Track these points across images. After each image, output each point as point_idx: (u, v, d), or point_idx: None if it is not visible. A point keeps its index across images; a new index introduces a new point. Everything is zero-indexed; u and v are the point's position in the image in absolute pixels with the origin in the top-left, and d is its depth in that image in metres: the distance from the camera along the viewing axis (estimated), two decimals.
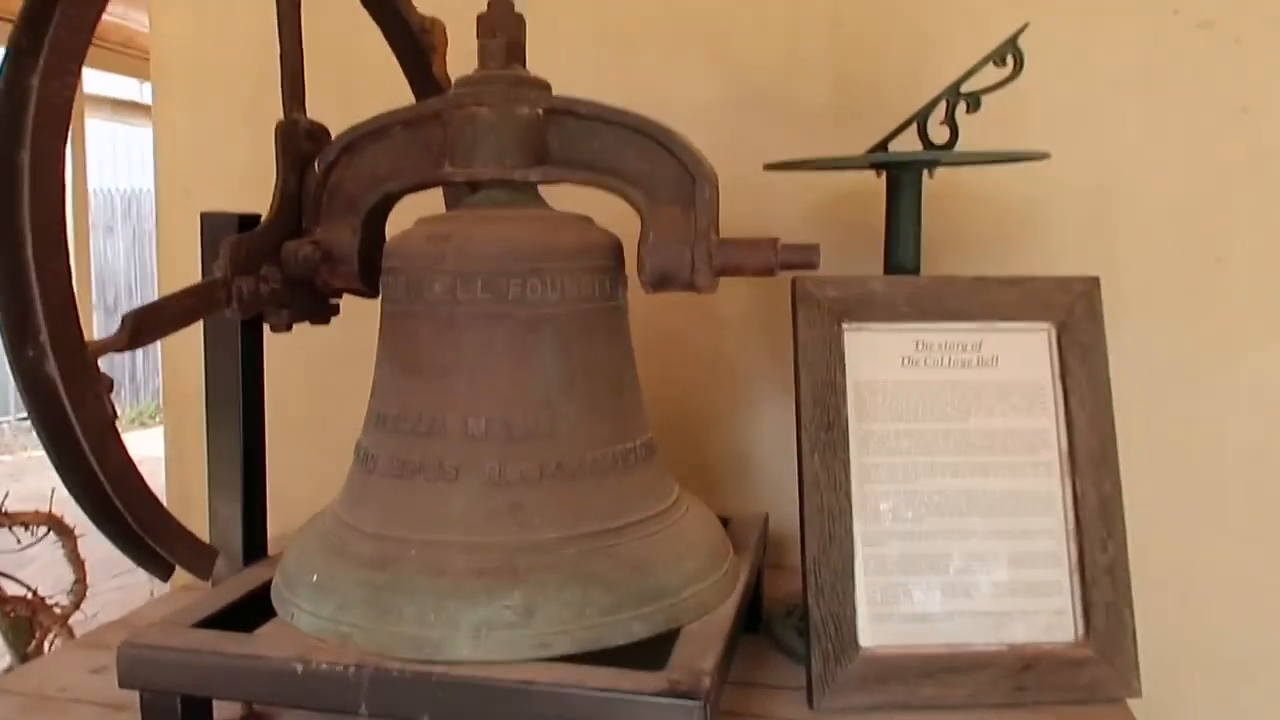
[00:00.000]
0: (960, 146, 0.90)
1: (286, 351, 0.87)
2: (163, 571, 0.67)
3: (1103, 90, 1.03)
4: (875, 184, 0.92)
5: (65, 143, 0.56)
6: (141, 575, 0.71)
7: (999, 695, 0.81)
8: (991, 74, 0.89)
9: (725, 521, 0.93)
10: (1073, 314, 0.88)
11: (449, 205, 0.98)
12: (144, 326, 0.63)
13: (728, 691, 0.83)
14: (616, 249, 0.75)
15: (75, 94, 0.57)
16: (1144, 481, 1.04)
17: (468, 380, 0.70)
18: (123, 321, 0.62)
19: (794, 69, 1.08)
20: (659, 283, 0.73)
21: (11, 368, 0.57)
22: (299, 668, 0.64)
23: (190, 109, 1.26)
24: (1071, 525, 0.86)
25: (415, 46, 0.95)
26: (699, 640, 0.67)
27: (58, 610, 1.05)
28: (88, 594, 1.10)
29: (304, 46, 0.80)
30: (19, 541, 1.02)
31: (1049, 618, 0.84)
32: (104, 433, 0.59)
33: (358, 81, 1.03)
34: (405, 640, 0.64)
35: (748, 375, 1.14)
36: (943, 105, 0.89)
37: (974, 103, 0.89)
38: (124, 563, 0.68)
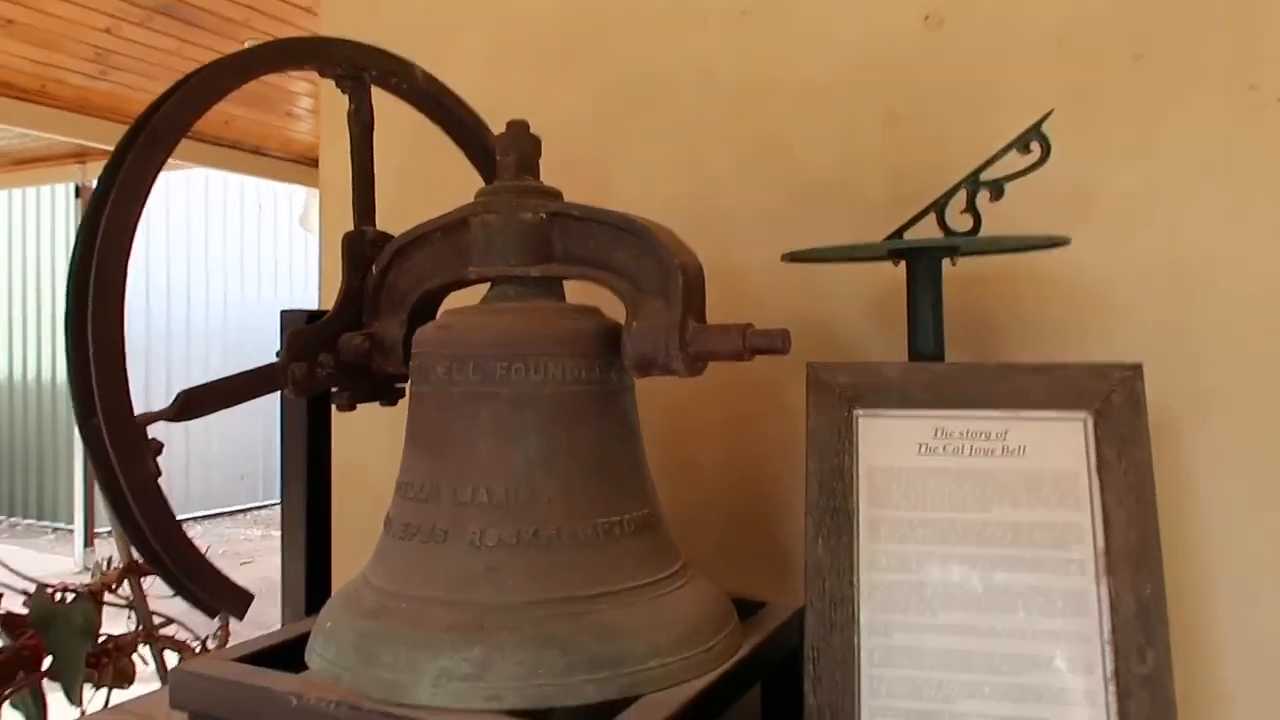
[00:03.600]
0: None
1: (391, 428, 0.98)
2: (208, 610, 0.79)
3: (1174, 175, 0.97)
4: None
5: (128, 255, 0.72)
6: None
7: None
8: (1020, 161, 0.88)
9: (758, 605, 0.94)
10: (1110, 403, 0.83)
11: None
12: (194, 402, 0.77)
13: None
14: (607, 336, 0.81)
15: (138, 219, 0.72)
16: (1237, 596, 0.94)
17: (459, 452, 0.78)
18: (176, 397, 0.76)
19: (851, 165, 1.11)
20: (641, 367, 0.79)
21: (80, 432, 0.72)
22: (294, 700, 0.73)
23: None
24: (1107, 630, 0.79)
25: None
26: (650, 709, 0.70)
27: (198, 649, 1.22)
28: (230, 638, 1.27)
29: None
30: None
31: None
32: (146, 489, 0.72)
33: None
34: (380, 683, 0.72)
35: None
36: (963, 194, 0.89)
37: (996, 190, 0.88)
38: None
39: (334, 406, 0.92)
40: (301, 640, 0.83)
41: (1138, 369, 0.84)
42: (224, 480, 7.58)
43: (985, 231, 0.89)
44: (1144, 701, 0.77)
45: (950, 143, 1.06)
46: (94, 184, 0.75)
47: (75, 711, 1.18)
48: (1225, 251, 0.96)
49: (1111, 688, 0.78)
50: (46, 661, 1.26)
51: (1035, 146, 0.87)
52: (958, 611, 0.82)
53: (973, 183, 0.88)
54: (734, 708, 0.84)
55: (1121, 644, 0.78)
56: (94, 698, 1.32)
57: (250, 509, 7.66)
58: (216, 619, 1.31)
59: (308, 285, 7.70)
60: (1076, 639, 0.80)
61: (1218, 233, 0.96)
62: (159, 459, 0.74)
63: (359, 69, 0.92)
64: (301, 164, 5.31)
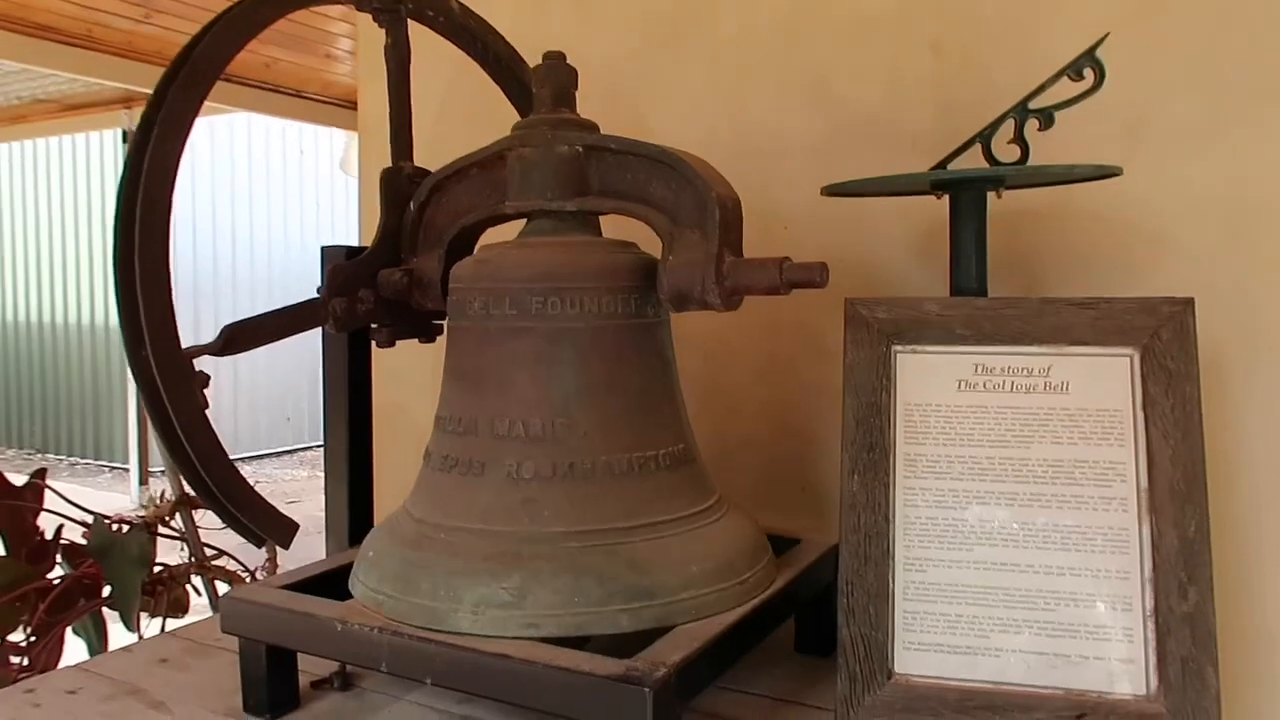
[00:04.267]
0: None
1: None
2: (254, 539, 0.81)
3: (1235, 104, 0.93)
4: (990, 207, 0.89)
5: (172, 190, 0.72)
6: None
7: None
8: (1072, 88, 0.85)
9: (794, 541, 0.95)
10: (1159, 338, 0.82)
11: None
12: (237, 337, 0.78)
13: (759, 705, 0.85)
14: (643, 270, 0.81)
15: (181, 153, 0.73)
16: None
17: (496, 386, 0.79)
18: (220, 331, 0.77)
19: (897, 98, 1.08)
20: (677, 301, 0.78)
21: (129, 364, 0.74)
22: (338, 626, 0.75)
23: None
24: (1148, 568, 0.79)
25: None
26: (682, 638, 0.71)
27: (247, 579, 1.27)
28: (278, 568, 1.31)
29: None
30: None
31: (1115, 666, 0.78)
32: (194, 420, 0.74)
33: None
34: (421, 610, 0.73)
35: None
36: (1011, 123, 0.86)
37: (1046, 119, 0.85)
38: None
39: (374, 342, 0.93)
40: (345, 570, 0.86)
41: (1188, 303, 0.81)
42: (271, 422, 7.74)
43: (1034, 164, 0.86)
44: (1184, 639, 0.76)
45: (1000, 74, 1.03)
46: None
47: (133, 637, 1.22)
48: None
49: (1151, 625, 0.78)
50: (105, 591, 1.31)
51: (1089, 73, 0.84)
52: (995, 548, 0.81)
53: (1021, 111, 0.86)
54: (769, 640, 0.85)
55: (1162, 582, 0.78)
56: (150, 625, 1.37)
57: (296, 450, 7.83)
58: (265, 551, 1.35)
59: (349, 229, 7.77)
60: (1116, 576, 0.79)
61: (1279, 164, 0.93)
62: (206, 392, 0.75)
63: (396, 2, 0.91)
64: (342, 106, 5.32)
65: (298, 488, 6.16)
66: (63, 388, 7.81)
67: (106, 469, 7.33)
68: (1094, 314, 0.83)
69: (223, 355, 0.77)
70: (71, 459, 7.64)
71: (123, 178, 0.74)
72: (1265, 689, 0.94)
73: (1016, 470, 0.82)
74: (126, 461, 6.71)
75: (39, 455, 7.70)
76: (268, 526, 0.79)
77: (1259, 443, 0.94)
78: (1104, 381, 0.83)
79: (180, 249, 7.09)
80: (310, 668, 0.85)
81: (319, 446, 8.22)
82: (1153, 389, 0.81)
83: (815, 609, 0.92)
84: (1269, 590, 0.94)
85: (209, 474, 0.75)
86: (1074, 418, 0.82)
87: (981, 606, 0.80)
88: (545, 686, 0.66)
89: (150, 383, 0.73)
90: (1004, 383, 0.84)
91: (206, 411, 0.75)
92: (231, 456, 0.77)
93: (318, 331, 0.90)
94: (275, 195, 7.98)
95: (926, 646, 0.81)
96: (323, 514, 1.15)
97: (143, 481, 6.28)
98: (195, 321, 7.09)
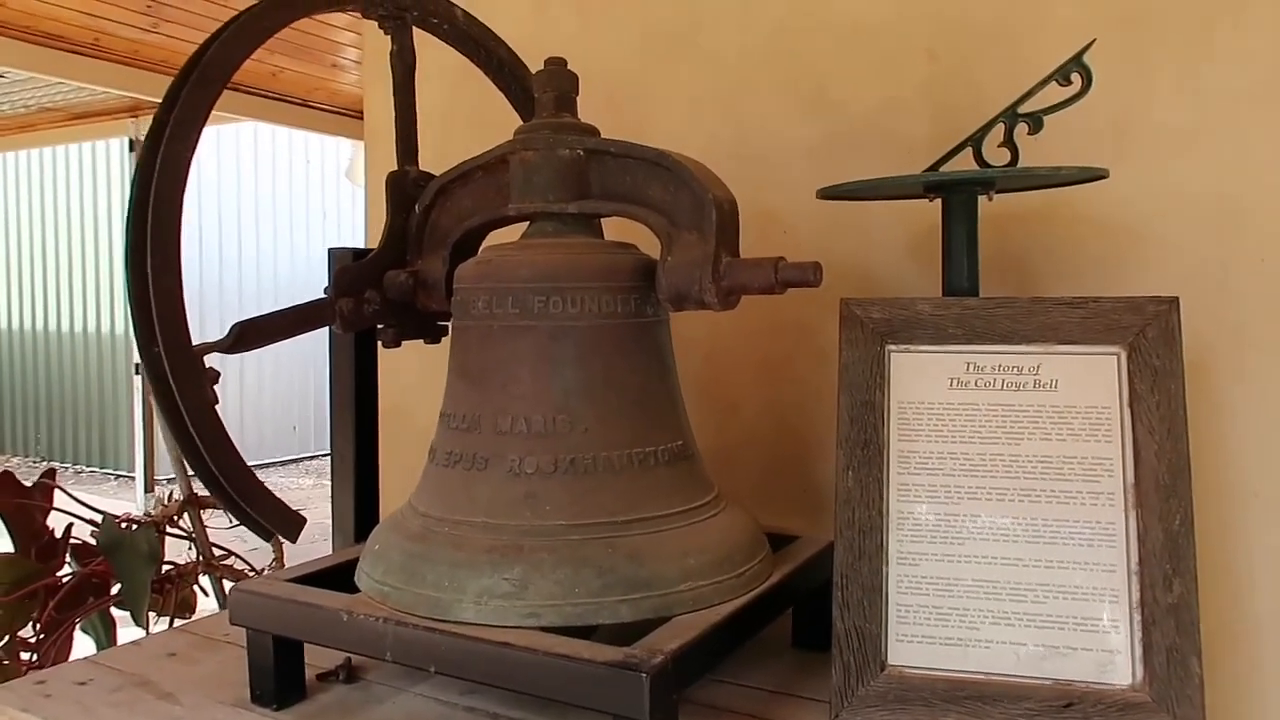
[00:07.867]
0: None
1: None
2: (262, 532, 0.83)
3: (1221, 106, 0.96)
4: (982, 210, 0.91)
5: (183, 188, 0.75)
6: None
7: None
8: (1060, 93, 0.87)
9: (791, 539, 0.96)
10: (1144, 337, 0.83)
11: None
12: (247, 334, 0.80)
13: (755, 697, 0.86)
14: (642, 270, 0.83)
15: (192, 154, 0.75)
16: (1270, 527, 0.95)
17: (499, 384, 0.81)
18: (230, 329, 0.80)
19: (894, 103, 1.10)
20: (675, 300, 0.80)
21: (141, 359, 0.76)
22: (344, 616, 0.77)
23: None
24: (1134, 561, 0.80)
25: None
26: (679, 628, 0.72)
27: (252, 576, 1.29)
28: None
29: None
30: None
31: (1101, 656, 0.80)
32: (204, 414, 0.76)
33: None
34: (425, 601, 0.75)
35: None
36: (1001, 127, 0.88)
37: (1035, 124, 0.88)
38: None
39: (380, 343, 0.96)
40: (351, 565, 0.87)
41: (1173, 302, 0.83)
42: (276, 431, 7.76)
43: (1023, 166, 0.88)
44: (1169, 630, 0.78)
45: (994, 80, 1.05)
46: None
47: (142, 633, 1.24)
48: (1271, 184, 0.94)
49: (1137, 617, 0.79)
50: (114, 590, 1.32)
51: (1076, 77, 0.86)
52: (985, 542, 0.83)
53: (1010, 116, 0.88)
54: (767, 636, 0.87)
55: (1148, 574, 0.79)
56: (158, 624, 1.39)
57: (302, 459, 7.85)
58: (272, 551, 1.37)
59: (356, 238, 7.81)
60: (1103, 569, 0.81)
61: (1264, 165, 0.95)
62: (216, 389, 0.77)
63: (401, 9, 0.94)
64: (348, 116, 5.36)
65: (303, 496, 6.19)
66: (69, 395, 7.85)
67: (112, 477, 7.36)
68: (1082, 313, 0.85)
69: (232, 352, 0.79)
70: (77, 467, 7.67)
71: (135, 176, 0.76)
72: (1247, 678, 0.96)
73: (1007, 466, 0.84)
74: (132, 469, 6.73)
75: (45, 463, 7.73)
76: (275, 520, 0.81)
77: (1245, 437, 0.95)
78: (1092, 379, 0.84)
79: (188, 260, 7.10)
80: (316, 661, 0.87)
81: (324, 455, 8.26)
82: (1139, 386, 0.83)
83: (812, 604, 0.94)
84: (1254, 582, 0.95)
85: (218, 467, 0.77)
86: (1063, 415, 0.84)
87: (973, 599, 0.82)
88: (546, 673, 0.68)
89: (161, 377, 0.75)
90: (995, 380, 0.86)
91: (216, 408, 0.77)
92: None
93: (324, 342, 0.93)
94: (282, 205, 8.02)
95: (919, 638, 0.82)
96: (329, 522, 1.17)
97: (149, 489, 6.30)
98: (201, 331, 7.11)
